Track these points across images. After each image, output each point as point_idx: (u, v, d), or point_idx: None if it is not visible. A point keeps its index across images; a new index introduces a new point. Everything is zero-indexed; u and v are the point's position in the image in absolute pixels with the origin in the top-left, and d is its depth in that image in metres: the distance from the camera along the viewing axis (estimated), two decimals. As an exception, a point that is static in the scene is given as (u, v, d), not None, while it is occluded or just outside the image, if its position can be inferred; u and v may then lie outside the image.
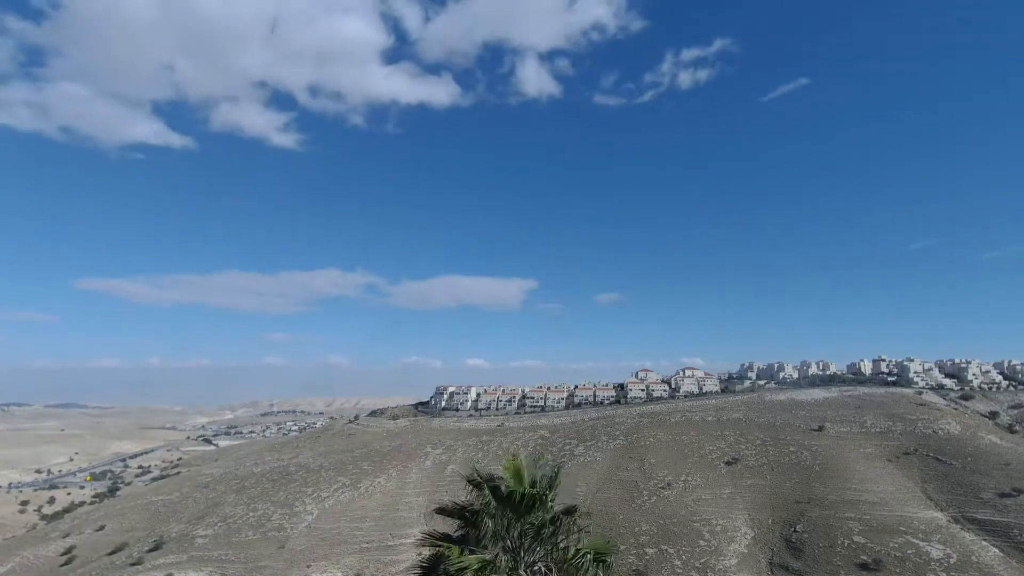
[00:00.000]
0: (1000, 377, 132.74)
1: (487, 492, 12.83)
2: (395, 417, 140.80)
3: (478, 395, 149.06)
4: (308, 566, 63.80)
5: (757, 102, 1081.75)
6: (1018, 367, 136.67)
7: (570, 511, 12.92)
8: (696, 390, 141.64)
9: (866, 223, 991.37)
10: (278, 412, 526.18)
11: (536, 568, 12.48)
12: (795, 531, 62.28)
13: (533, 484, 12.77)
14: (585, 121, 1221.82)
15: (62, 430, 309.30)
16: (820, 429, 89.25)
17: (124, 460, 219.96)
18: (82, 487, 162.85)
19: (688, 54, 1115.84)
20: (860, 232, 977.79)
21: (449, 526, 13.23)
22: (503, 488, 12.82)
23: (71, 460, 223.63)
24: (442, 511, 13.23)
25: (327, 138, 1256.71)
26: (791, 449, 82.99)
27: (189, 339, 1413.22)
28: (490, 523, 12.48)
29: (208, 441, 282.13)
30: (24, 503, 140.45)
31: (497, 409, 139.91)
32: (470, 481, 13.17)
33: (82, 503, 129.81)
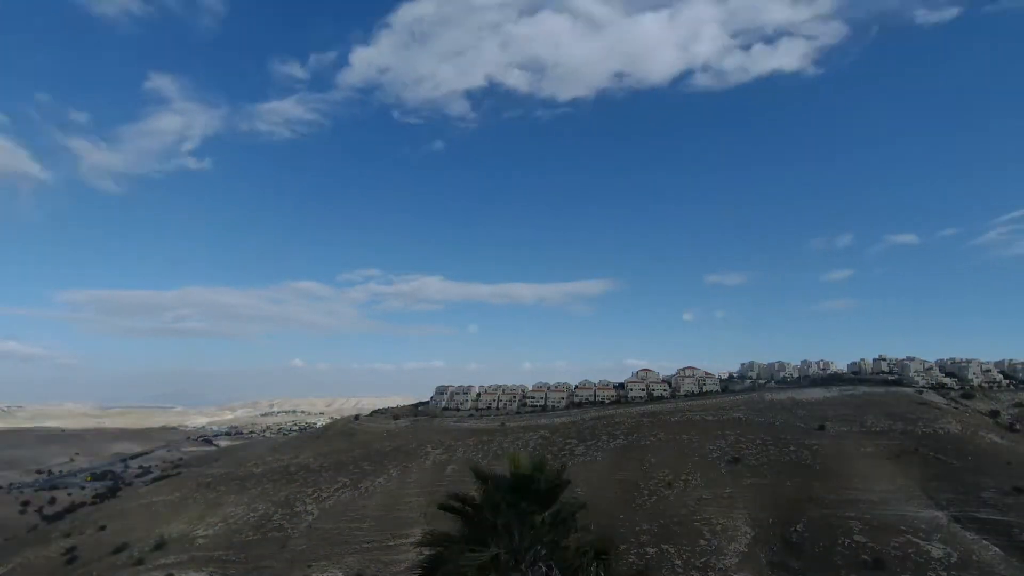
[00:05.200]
0: (1001, 376, 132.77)
1: (490, 482, 12.85)
2: (396, 417, 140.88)
3: (478, 395, 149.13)
4: (309, 566, 63.86)
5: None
6: (1019, 366, 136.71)
7: (574, 507, 12.95)
8: (696, 390, 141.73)
9: (863, 220, 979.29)
10: (278, 412, 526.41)
11: (537, 567, 12.48)
12: (795, 530, 62.23)
13: (537, 476, 12.80)
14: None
15: (62, 430, 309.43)
16: (821, 428, 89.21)
17: (124, 460, 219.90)
18: (83, 487, 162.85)
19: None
20: (860, 229, 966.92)
21: (450, 525, 13.24)
22: (509, 474, 12.84)
23: (71, 460, 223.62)
24: (444, 507, 13.26)
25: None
26: (791, 448, 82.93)
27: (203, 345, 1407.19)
28: (490, 519, 12.50)
29: (208, 441, 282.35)
30: (25, 504, 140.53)
31: (497, 409, 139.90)
32: (475, 472, 13.21)
33: (83, 503, 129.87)
